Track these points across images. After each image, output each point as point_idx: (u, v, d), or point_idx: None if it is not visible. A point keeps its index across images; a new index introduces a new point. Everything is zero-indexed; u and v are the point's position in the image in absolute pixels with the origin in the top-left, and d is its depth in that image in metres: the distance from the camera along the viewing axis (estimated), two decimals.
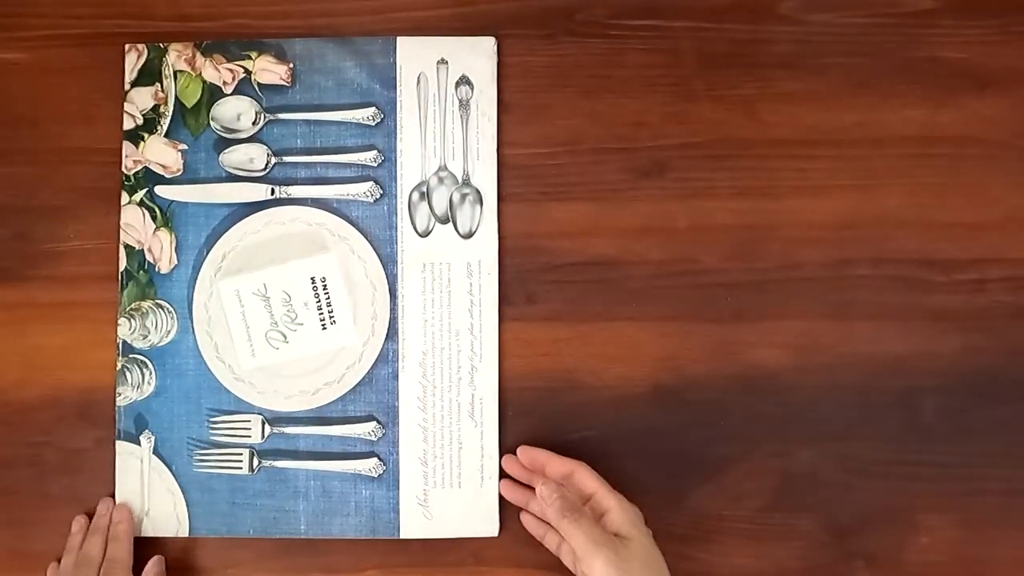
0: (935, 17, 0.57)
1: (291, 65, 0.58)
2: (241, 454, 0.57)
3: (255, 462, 0.57)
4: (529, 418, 0.56)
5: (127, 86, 0.58)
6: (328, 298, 0.56)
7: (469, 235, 0.57)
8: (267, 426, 0.57)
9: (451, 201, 0.57)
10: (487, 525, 0.56)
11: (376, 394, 0.57)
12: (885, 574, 0.55)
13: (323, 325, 0.57)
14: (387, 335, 0.57)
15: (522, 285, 0.57)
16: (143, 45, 0.58)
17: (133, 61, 0.58)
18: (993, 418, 0.56)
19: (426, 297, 0.57)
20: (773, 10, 0.58)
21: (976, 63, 0.57)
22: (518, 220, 0.57)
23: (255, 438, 0.57)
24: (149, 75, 0.58)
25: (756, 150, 0.57)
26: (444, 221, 0.57)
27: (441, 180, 0.57)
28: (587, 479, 0.52)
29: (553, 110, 0.57)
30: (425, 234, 0.57)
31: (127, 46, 0.58)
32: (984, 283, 0.56)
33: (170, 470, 0.57)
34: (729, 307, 0.56)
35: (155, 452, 0.57)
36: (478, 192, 0.57)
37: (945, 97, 0.57)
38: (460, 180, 0.57)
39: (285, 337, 0.57)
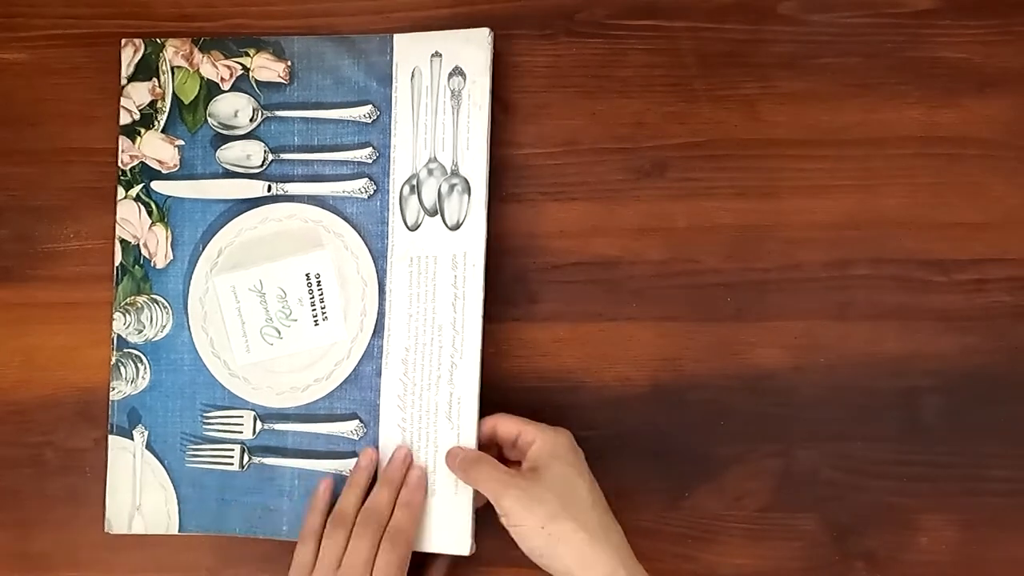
0: (935, 17, 0.57)
1: (289, 63, 0.57)
2: (233, 450, 0.56)
3: (245, 458, 0.56)
4: (528, 418, 0.56)
5: (123, 80, 0.58)
6: (321, 294, 0.56)
7: (456, 226, 0.55)
8: (259, 422, 0.56)
9: (439, 193, 0.55)
10: (457, 541, 0.53)
11: (360, 391, 0.56)
12: (885, 574, 0.55)
13: (315, 321, 0.56)
14: (374, 331, 0.56)
15: (522, 285, 0.57)
16: (140, 40, 0.58)
17: (130, 56, 0.58)
18: (993, 418, 0.56)
19: (412, 291, 0.55)
20: (773, 10, 0.57)
21: (976, 63, 0.57)
22: (518, 220, 0.57)
23: (247, 434, 0.56)
24: (146, 70, 0.58)
25: (756, 150, 0.57)
26: (432, 214, 0.55)
27: (431, 172, 0.56)
28: (507, 425, 0.51)
29: (553, 110, 0.57)
30: (414, 227, 0.56)
31: (123, 40, 0.58)
32: (984, 283, 0.56)
33: (163, 465, 0.56)
34: (729, 307, 0.56)
35: (148, 447, 0.57)
36: (466, 182, 0.55)
37: (945, 97, 0.57)
38: (449, 171, 0.56)
39: (279, 333, 0.56)
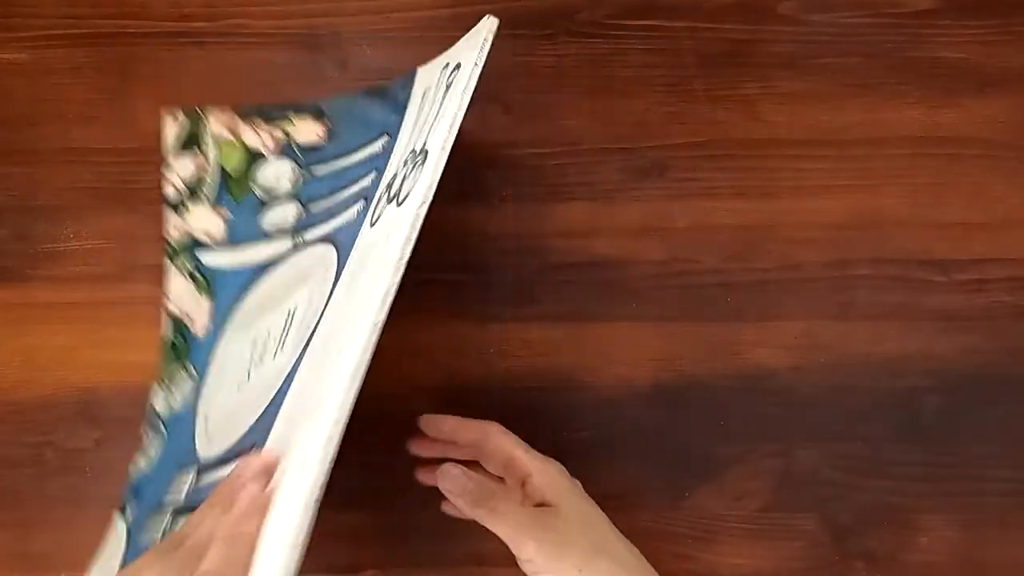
0: (935, 17, 0.57)
1: (328, 123, 0.57)
2: (167, 516, 0.49)
3: (169, 524, 0.48)
4: (527, 418, 0.56)
5: (168, 156, 0.57)
6: (290, 327, 0.51)
7: (404, 200, 0.44)
8: (195, 478, 0.49)
9: (403, 177, 0.47)
10: None
11: (270, 417, 0.46)
12: (885, 574, 0.55)
13: (274, 354, 0.50)
14: (304, 345, 0.47)
15: (522, 285, 0.57)
16: (181, 113, 0.57)
17: (172, 129, 0.57)
18: (993, 418, 0.56)
19: (346, 287, 0.46)
20: (773, 10, 0.58)
21: (976, 63, 0.57)
22: (518, 220, 0.57)
23: (183, 494, 0.49)
24: (189, 143, 0.57)
25: (756, 150, 0.57)
26: (391, 199, 0.47)
27: (405, 163, 0.48)
28: (502, 443, 0.47)
29: (553, 110, 0.57)
30: (375, 222, 0.48)
31: (163, 113, 0.58)
32: (984, 283, 0.56)
33: (126, 546, 0.50)
34: (729, 307, 0.56)
35: (128, 528, 0.51)
36: (426, 153, 0.44)
37: (945, 97, 0.57)
38: (418, 152, 0.46)
39: (249, 377, 0.52)
